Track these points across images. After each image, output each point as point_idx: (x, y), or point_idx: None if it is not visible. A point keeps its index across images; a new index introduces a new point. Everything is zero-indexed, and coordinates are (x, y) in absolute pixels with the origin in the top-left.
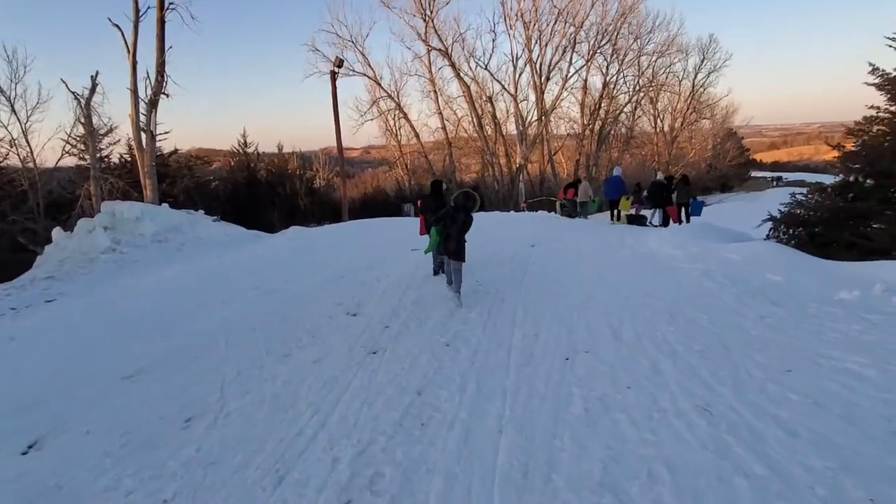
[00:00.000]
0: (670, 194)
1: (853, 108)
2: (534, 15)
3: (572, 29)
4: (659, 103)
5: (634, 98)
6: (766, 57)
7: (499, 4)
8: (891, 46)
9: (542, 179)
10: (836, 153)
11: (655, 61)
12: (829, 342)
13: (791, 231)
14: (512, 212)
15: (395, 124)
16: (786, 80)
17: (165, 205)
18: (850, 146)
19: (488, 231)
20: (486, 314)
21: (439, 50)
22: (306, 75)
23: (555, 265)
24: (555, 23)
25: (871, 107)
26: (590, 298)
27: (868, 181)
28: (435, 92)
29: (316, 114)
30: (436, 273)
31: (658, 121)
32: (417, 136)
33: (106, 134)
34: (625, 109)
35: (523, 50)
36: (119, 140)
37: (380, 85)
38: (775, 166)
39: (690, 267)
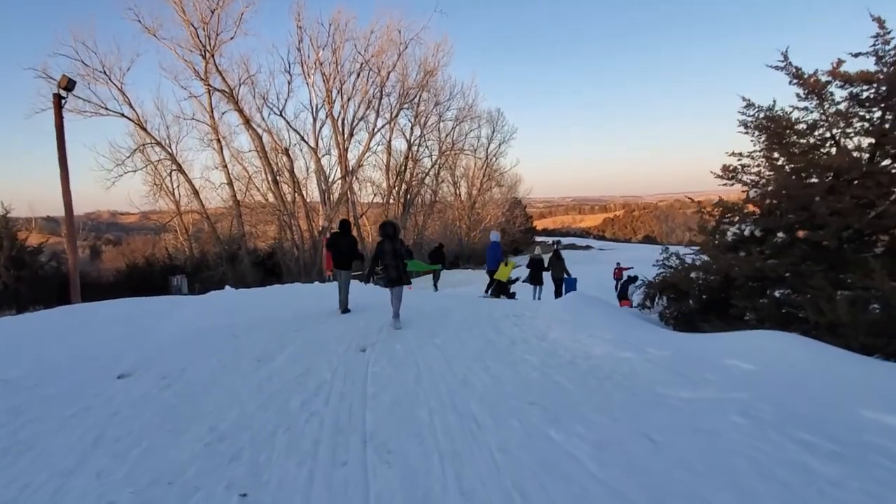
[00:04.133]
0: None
1: (595, 186)
2: (334, 68)
3: (374, 87)
4: (457, 170)
5: (437, 162)
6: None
7: (294, 49)
8: None
9: (315, 247)
10: (593, 222)
11: (454, 128)
12: None
13: (672, 302)
14: (316, 283)
15: (170, 180)
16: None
17: None
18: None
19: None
20: None
21: (222, 91)
22: (36, 111)
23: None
24: (357, 78)
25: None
26: None
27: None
28: (219, 141)
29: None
30: (343, 310)
31: (456, 188)
32: (197, 193)
33: None
34: (429, 173)
35: (323, 103)
36: None
37: (144, 129)
38: (545, 232)
39: (695, 397)
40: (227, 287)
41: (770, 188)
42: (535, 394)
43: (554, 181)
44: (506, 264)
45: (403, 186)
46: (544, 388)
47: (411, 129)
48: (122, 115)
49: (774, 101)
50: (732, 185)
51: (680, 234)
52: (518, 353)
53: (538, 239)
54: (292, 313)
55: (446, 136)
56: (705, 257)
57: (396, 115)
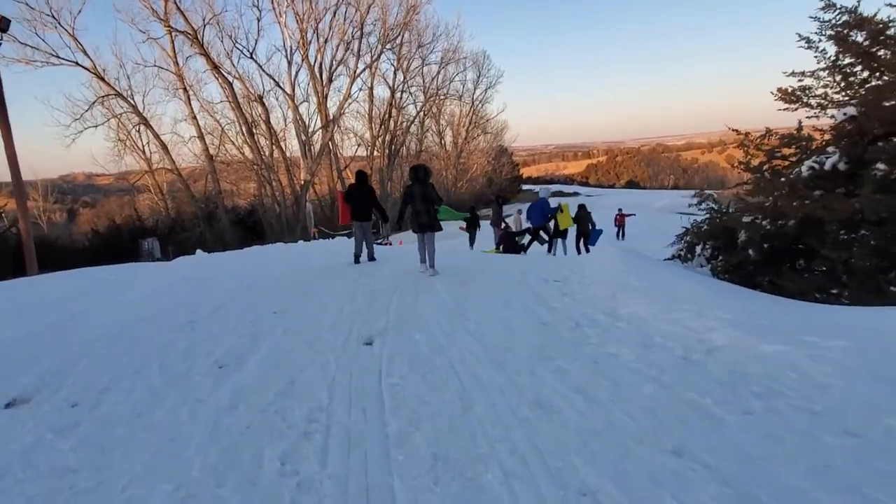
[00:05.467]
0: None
1: (578, 133)
2: (308, 5)
3: (353, 26)
4: (442, 119)
5: (423, 109)
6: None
7: None
8: None
9: (332, 199)
10: (576, 169)
11: (439, 72)
12: None
13: (722, 252)
14: (301, 242)
15: (138, 136)
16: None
17: None
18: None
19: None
20: None
21: (185, 34)
22: None
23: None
24: (333, 16)
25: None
26: None
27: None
28: (185, 90)
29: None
30: (357, 260)
31: (441, 137)
32: (166, 148)
33: None
34: (415, 121)
35: (298, 46)
36: None
37: (102, 79)
38: (529, 180)
39: None
40: (199, 251)
41: (861, 109)
42: (674, 432)
43: (537, 128)
44: (561, 211)
45: (388, 136)
46: (680, 416)
47: (394, 74)
48: (77, 63)
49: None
50: (796, 109)
51: (664, 177)
52: (594, 342)
53: (524, 187)
54: (273, 283)
55: (431, 80)
56: (752, 199)
57: (378, 58)
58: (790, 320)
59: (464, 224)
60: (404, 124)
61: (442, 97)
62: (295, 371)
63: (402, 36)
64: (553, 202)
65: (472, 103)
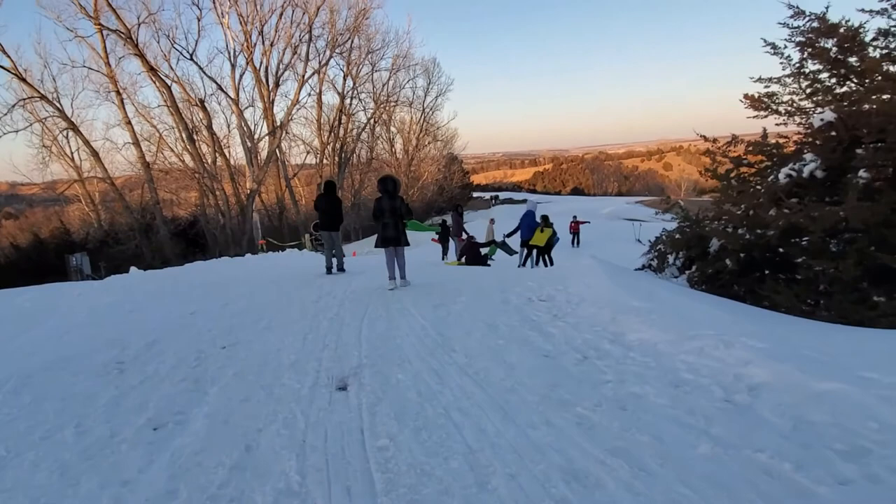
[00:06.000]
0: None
1: (525, 141)
2: (252, 7)
3: (301, 30)
4: (392, 126)
5: (373, 116)
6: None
7: None
8: None
9: (280, 209)
10: (523, 176)
11: (390, 78)
12: None
13: (700, 267)
14: (248, 255)
15: (67, 143)
16: (478, 116)
17: None
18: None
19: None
20: None
21: (118, 33)
22: None
23: None
24: (279, 18)
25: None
26: None
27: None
28: (118, 93)
29: None
30: (328, 271)
31: (392, 144)
32: (96, 155)
33: None
34: (365, 128)
35: (242, 49)
36: None
37: (23, 80)
38: (479, 187)
39: None
40: (133, 269)
41: (838, 116)
42: None
43: (485, 137)
44: (542, 230)
45: (338, 143)
46: (758, 489)
47: (343, 80)
48: None
49: (828, 7)
50: (766, 117)
51: (608, 184)
52: (610, 378)
53: (475, 195)
54: (219, 307)
55: (382, 86)
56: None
57: (327, 63)
58: (833, 350)
59: (436, 236)
60: (355, 131)
61: (393, 104)
62: (252, 431)
63: (352, 41)
64: (502, 209)
65: (423, 110)
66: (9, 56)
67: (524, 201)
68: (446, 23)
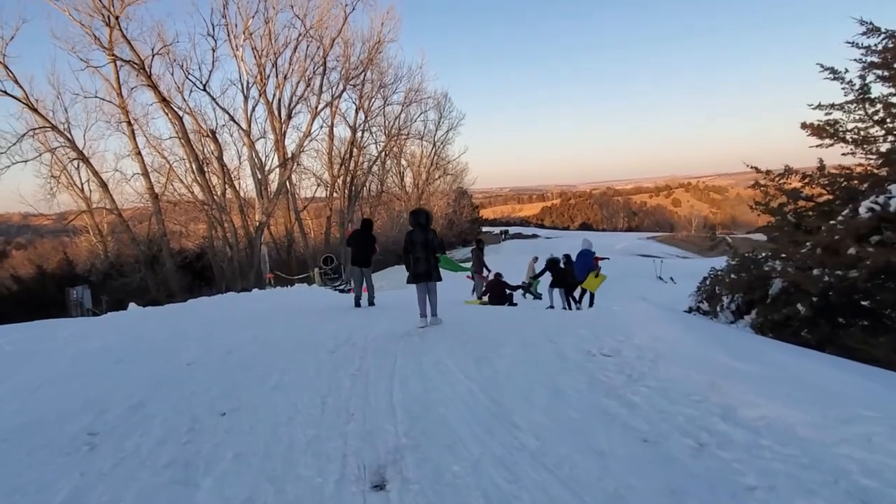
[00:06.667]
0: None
1: (532, 176)
2: (267, 41)
3: (314, 63)
4: (402, 159)
5: (384, 149)
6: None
7: (218, 15)
8: None
9: (289, 241)
10: (531, 211)
11: (402, 112)
12: None
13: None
14: (255, 290)
15: (77, 173)
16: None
17: None
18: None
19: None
20: None
21: (132, 64)
22: None
23: None
24: (294, 52)
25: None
26: None
27: None
28: (129, 124)
29: None
30: (357, 304)
31: (402, 177)
32: (105, 185)
33: None
34: (376, 161)
35: (255, 81)
36: None
37: (34, 110)
38: (487, 222)
39: None
40: (132, 305)
41: None
42: None
43: (492, 171)
44: (596, 276)
45: (348, 176)
46: None
47: (356, 113)
48: (5, 92)
49: None
50: (831, 145)
51: (617, 220)
52: (753, 483)
53: (484, 229)
54: (221, 357)
55: (395, 118)
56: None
57: (340, 95)
58: None
59: (470, 274)
60: (365, 164)
61: (404, 137)
62: None
63: (365, 74)
64: (513, 244)
65: (434, 144)
66: (21, 86)
67: (533, 236)
68: (455, 57)
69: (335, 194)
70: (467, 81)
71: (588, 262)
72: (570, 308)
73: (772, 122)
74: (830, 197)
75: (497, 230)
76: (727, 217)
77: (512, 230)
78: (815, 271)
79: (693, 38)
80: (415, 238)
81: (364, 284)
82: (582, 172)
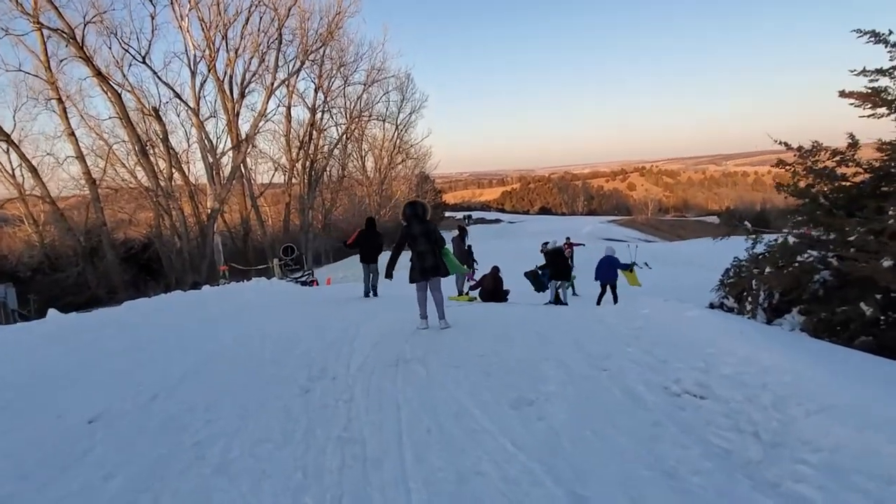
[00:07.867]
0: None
1: (492, 161)
2: (216, 12)
3: (269, 36)
4: (364, 143)
5: (346, 131)
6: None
7: None
8: None
9: (245, 230)
10: (492, 196)
11: (363, 92)
12: None
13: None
14: (207, 288)
15: (6, 157)
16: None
17: None
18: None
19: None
20: None
21: (60, 32)
22: None
23: None
24: (246, 24)
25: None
26: None
27: None
28: (60, 101)
29: None
30: (366, 295)
31: (363, 161)
32: (34, 170)
33: None
34: (337, 145)
35: (202, 56)
36: None
37: None
38: (448, 207)
39: None
40: (51, 312)
41: None
42: None
43: (453, 156)
44: (632, 270)
45: (308, 160)
46: None
47: (315, 93)
48: None
49: None
50: (888, 114)
51: (577, 203)
52: None
53: (447, 214)
54: (142, 406)
55: (357, 99)
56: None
57: (297, 73)
58: None
59: (472, 272)
60: (326, 148)
61: (366, 119)
62: None
63: (325, 49)
64: (477, 229)
65: (397, 127)
66: None
67: (496, 221)
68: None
69: (294, 179)
70: (429, 65)
71: (615, 267)
72: (558, 303)
73: (718, 108)
74: (869, 175)
75: (461, 215)
76: (679, 200)
77: (475, 215)
78: (885, 262)
79: (649, 25)
80: (414, 231)
81: (371, 278)
82: (540, 157)
